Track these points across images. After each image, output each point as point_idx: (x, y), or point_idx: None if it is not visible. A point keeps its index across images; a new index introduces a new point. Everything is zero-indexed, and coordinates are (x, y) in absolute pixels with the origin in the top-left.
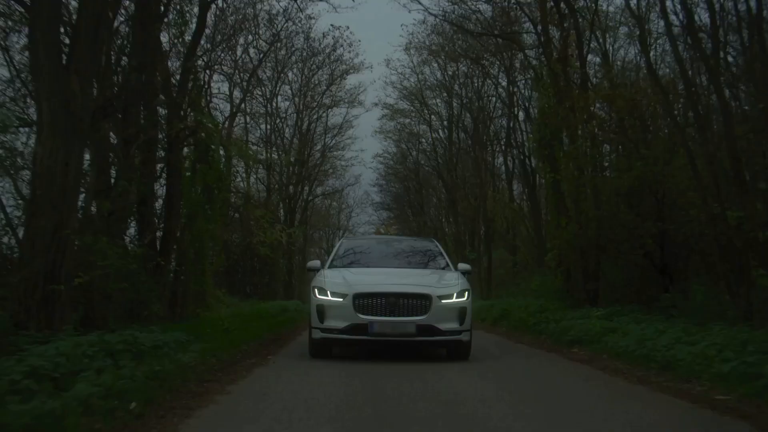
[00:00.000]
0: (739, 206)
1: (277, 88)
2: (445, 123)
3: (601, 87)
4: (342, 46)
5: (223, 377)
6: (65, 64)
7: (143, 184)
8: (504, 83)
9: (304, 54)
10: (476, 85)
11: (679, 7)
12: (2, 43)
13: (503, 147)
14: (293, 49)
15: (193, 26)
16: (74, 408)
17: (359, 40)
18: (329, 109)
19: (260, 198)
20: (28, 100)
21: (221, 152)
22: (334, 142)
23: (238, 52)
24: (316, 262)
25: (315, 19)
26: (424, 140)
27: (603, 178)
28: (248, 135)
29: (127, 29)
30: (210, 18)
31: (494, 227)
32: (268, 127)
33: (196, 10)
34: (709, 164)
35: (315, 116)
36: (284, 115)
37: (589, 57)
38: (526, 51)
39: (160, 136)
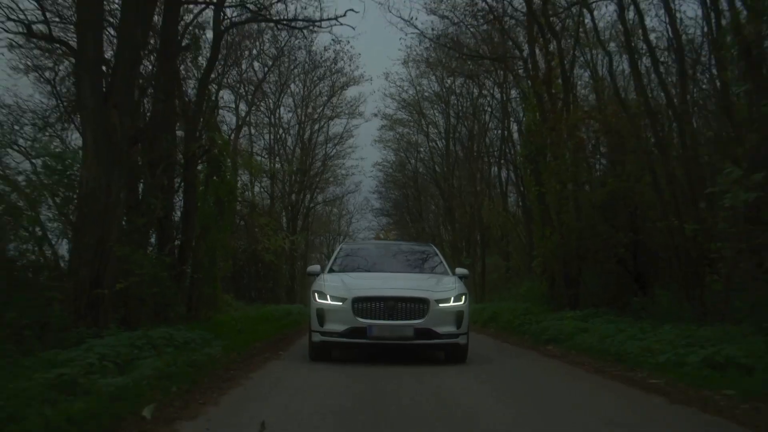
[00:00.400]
0: (695, 221)
1: (280, 100)
2: (443, 133)
3: (579, 108)
4: (342, 59)
5: (243, 367)
6: (105, 100)
7: (165, 199)
8: (498, 96)
9: (306, 66)
10: (472, 97)
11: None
12: (49, 77)
13: (497, 159)
14: (296, 62)
15: (207, 52)
16: (141, 384)
17: (359, 54)
18: (330, 120)
19: (264, 206)
20: (70, 126)
21: (228, 164)
22: (335, 151)
23: (243, 66)
24: (316, 267)
25: (317, 33)
26: (422, 149)
27: (582, 192)
28: (252, 145)
29: (152, 63)
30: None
31: (489, 234)
32: (272, 137)
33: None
34: (669, 183)
35: (317, 126)
36: (287, 125)
37: (581, 71)
38: (516, 69)
39: (178, 156)
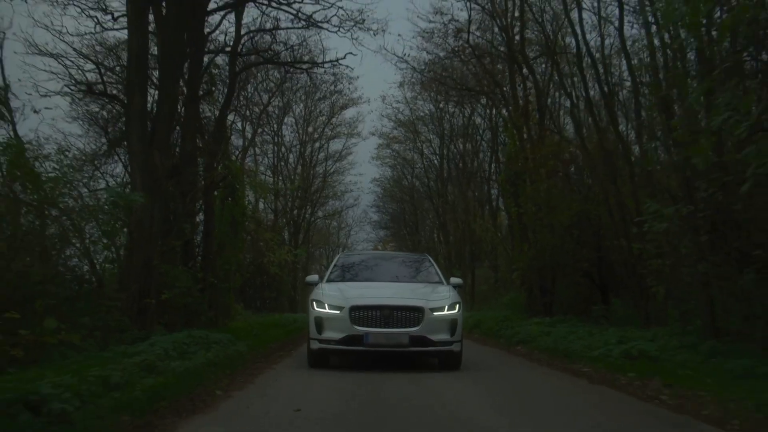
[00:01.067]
0: (640, 242)
1: (283, 120)
2: (437, 150)
3: (550, 139)
4: (341, 81)
5: (266, 361)
6: (150, 144)
7: (191, 223)
8: (487, 117)
9: (308, 88)
10: (464, 117)
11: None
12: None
13: (487, 178)
14: (298, 84)
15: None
16: (199, 368)
17: (358, 77)
18: (330, 140)
19: (268, 220)
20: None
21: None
22: (334, 167)
23: (249, 89)
24: (315, 277)
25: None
26: (417, 166)
27: (554, 213)
28: (257, 164)
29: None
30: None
31: (480, 248)
32: (275, 156)
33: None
34: (619, 209)
35: (317, 145)
36: (289, 144)
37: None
38: (500, 101)
39: (200, 183)
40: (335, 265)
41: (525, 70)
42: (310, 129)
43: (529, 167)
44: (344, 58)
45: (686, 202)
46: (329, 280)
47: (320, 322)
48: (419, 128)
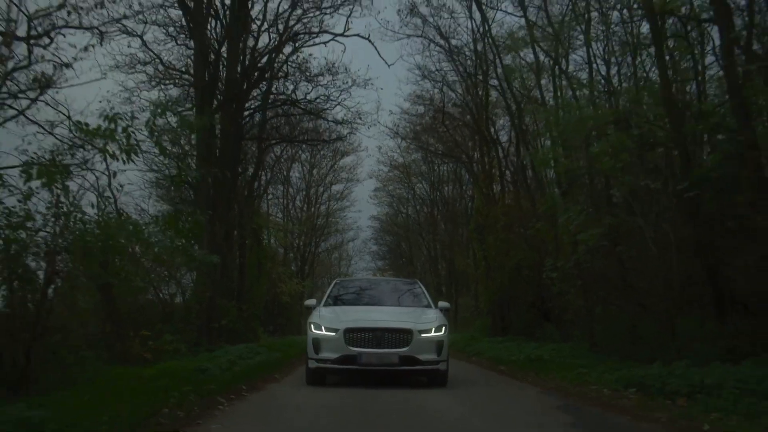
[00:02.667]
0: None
1: (291, 166)
2: (428, 191)
3: (503, 201)
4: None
5: (294, 365)
6: (212, 218)
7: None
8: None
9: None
10: (447, 167)
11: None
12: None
13: (467, 220)
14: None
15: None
16: (259, 365)
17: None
18: (332, 185)
19: (279, 255)
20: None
21: (265, 236)
22: (337, 206)
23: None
24: (313, 301)
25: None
26: (411, 204)
27: (506, 258)
28: (269, 206)
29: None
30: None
31: (463, 280)
32: (285, 199)
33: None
34: (540, 257)
35: (321, 187)
36: (296, 187)
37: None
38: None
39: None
40: (332, 290)
41: (489, 143)
42: (315, 173)
43: (489, 222)
44: (346, 137)
45: (566, 261)
46: (326, 304)
47: (317, 344)
48: (412, 169)
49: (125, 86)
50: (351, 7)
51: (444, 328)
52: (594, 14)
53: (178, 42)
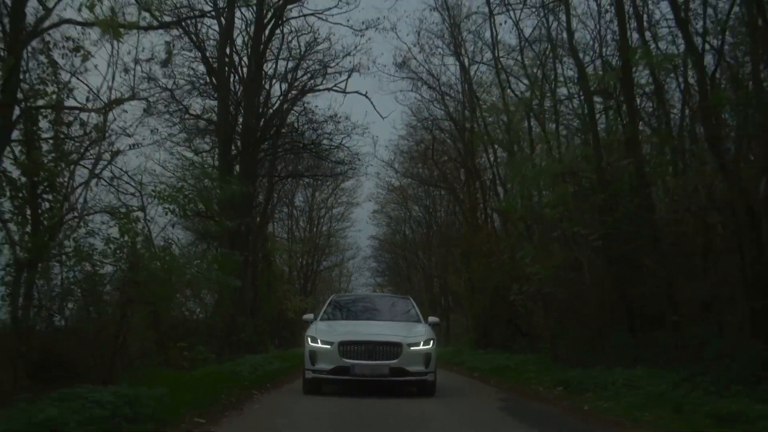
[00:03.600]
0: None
1: (296, 190)
2: (423, 215)
3: (484, 229)
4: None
5: (299, 373)
6: (231, 247)
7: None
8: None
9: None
10: (440, 193)
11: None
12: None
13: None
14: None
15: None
16: (276, 371)
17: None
18: (333, 208)
19: (284, 273)
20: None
21: (275, 259)
22: (338, 226)
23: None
24: (310, 315)
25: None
26: (408, 226)
27: (487, 280)
28: (275, 227)
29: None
30: None
31: (455, 298)
32: (291, 221)
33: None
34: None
35: (323, 209)
36: (299, 209)
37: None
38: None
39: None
40: (328, 305)
41: (473, 175)
42: (317, 195)
43: (473, 248)
44: (346, 172)
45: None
46: (322, 319)
47: (313, 355)
48: (408, 193)
49: (157, 133)
50: (350, 71)
51: (432, 341)
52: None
53: (203, 94)
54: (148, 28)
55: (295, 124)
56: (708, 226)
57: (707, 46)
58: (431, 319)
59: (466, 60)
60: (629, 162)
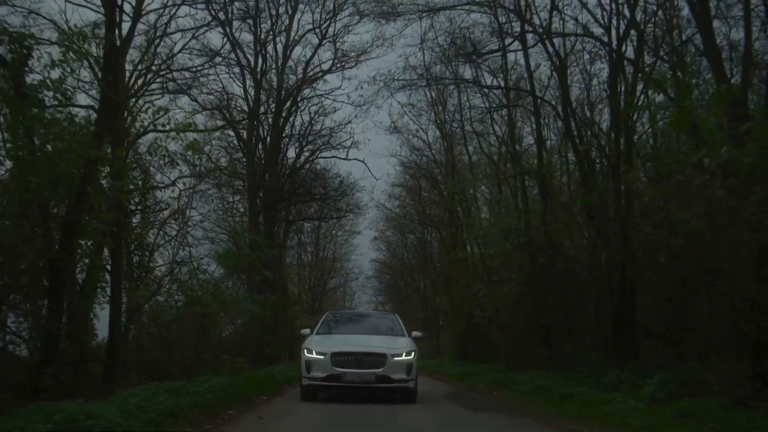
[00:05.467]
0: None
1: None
2: (417, 242)
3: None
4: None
5: None
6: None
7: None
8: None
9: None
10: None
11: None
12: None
13: None
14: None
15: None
16: (294, 376)
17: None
18: (337, 236)
19: (294, 294)
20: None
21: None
22: (342, 250)
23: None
24: (307, 330)
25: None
26: (405, 252)
27: (463, 304)
28: (285, 254)
29: None
30: None
31: (446, 317)
32: (300, 249)
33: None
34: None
35: (328, 238)
36: (307, 237)
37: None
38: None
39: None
40: (323, 321)
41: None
42: (322, 225)
43: (453, 278)
44: (348, 214)
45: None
46: (318, 333)
47: (309, 365)
48: (405, 224)
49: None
50: (348, 147)
51: (413, 353)
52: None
53: (233, 157)
54: (209, 130)
55: (306, 178)
56: (588, 280)
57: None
58: (414, 333)
59: (445, 126)
60: (544, 229)
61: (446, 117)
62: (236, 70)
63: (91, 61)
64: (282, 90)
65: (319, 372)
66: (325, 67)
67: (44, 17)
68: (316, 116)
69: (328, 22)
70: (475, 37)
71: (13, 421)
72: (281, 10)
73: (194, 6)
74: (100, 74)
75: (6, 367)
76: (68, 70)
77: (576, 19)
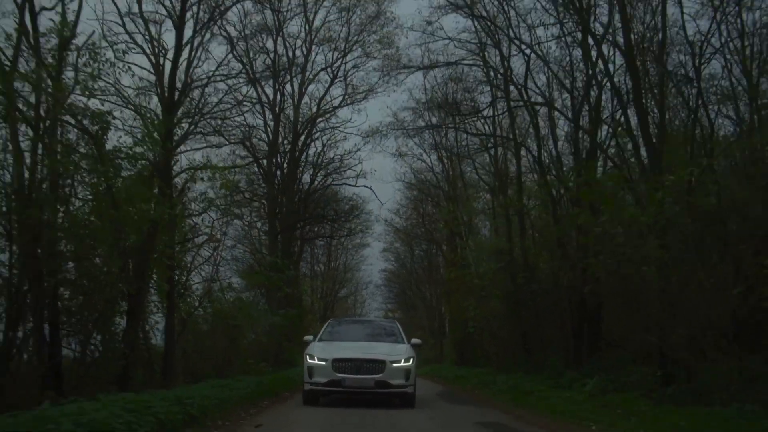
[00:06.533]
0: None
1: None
2: (423, 255)
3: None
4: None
5: None
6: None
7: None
8: None
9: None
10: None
11: None
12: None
13: None
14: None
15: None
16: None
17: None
18: (347, 248)
19: (307, 303)
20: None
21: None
22: (353, 260)
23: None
24: (310, 337)
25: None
26: (411, 263)
27: (462, 315)
28: (299, 269)
29: None
30: None
31: (450, 325)
32: (313, 262)
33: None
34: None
35: (340, 250)
36: (320, 250)
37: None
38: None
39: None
40: (326, 328)
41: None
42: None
43: (452, 289)
44: (356, 233)
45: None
46: (320, 339)
47: (311, 370)
48: (412, 237)
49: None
50: (357, 176)
51: (412, 359)
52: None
53: (254, 184)
54: (239, 166)
55: (319, 201)
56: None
57: None
58: (413, 340)
59: (444, 156)
60: (522, 254)
61: (447, 142)
62: (257, 106)
63: (151, 129)
64: (298, 123)
65: (320, 377)
66: (336, 102)
67: (117, 99)
68: (329, 143)
69: (339, 61)
70: (468, 85)
71: (140, 397)
72: (297, 52)
73: (236, 76)
74: (155, 134)
75: (100, 369)
76: (138, 138)
77: (540, 89)
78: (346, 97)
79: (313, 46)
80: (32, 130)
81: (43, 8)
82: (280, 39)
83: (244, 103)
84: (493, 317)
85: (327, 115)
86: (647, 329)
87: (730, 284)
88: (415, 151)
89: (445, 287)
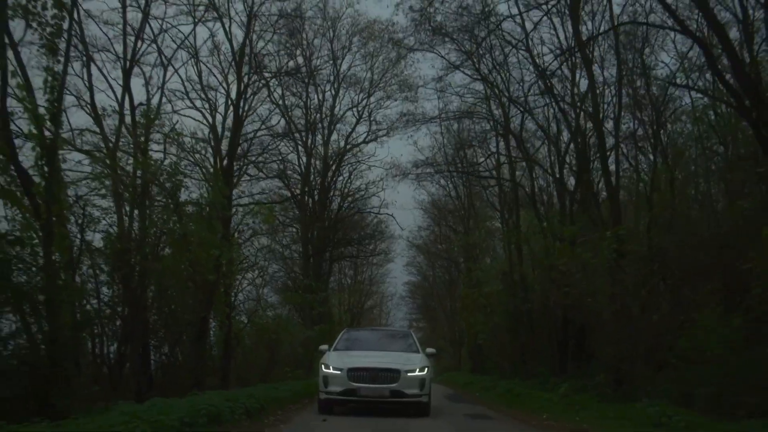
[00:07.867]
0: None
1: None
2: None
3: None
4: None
5: None
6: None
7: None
8: None
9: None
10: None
11: None
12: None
13: None
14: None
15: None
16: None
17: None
18: (372, 262)
19: (335, 315)
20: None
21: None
22: (378, 273)
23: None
24: (325, 346)
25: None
26: (433, 277)
27: (476, 328)
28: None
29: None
30: None
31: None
32: (341, 274)
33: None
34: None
35: (365, 264)
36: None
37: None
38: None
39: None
40: (341, 338)
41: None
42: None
43: (468, 304)
44: (380, 254)
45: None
46: (335, 349)
47: (326, 379)
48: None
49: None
50: (379, 207)
51: (427, 369)
52: None
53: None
54: (280, 202)
55: (347, 225)
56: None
57: None
58: (428, 350)
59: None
60: (520, 277)
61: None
62: (291, 143)
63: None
64: (328, 158)
65: (335, 386)
66: (360, 139)
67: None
68: (356, 173)
69: (364, 101)
70: (475, 132)
71: (228, 394)
72: (327, 95)
73: (282, 138)
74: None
75: (177, 376)
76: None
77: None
78: (370, 133)
79: (341, 89)
80: (129, 194)
81: (140, 104)
82: (311, 86)
83: (282, 146)
84: (498, 331)
85: (354, 150)
86: (607, 344)
87: (654, 311)
88: (433, 176)
89: (461, 303)
